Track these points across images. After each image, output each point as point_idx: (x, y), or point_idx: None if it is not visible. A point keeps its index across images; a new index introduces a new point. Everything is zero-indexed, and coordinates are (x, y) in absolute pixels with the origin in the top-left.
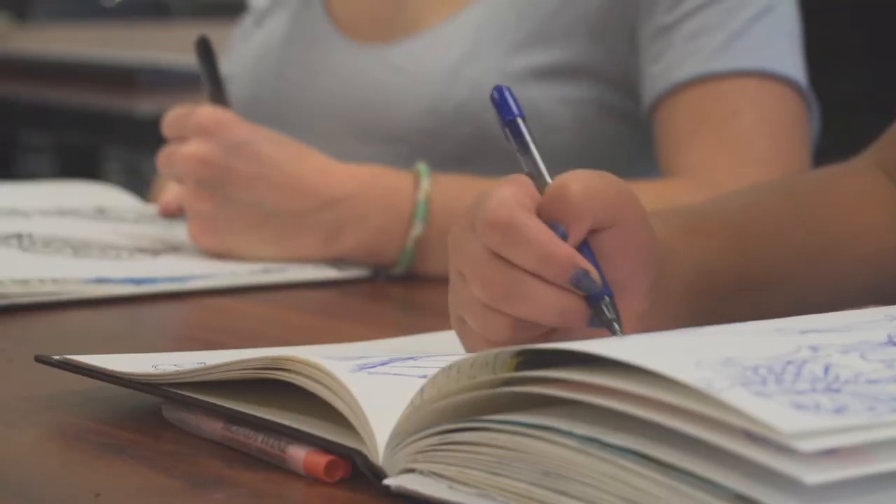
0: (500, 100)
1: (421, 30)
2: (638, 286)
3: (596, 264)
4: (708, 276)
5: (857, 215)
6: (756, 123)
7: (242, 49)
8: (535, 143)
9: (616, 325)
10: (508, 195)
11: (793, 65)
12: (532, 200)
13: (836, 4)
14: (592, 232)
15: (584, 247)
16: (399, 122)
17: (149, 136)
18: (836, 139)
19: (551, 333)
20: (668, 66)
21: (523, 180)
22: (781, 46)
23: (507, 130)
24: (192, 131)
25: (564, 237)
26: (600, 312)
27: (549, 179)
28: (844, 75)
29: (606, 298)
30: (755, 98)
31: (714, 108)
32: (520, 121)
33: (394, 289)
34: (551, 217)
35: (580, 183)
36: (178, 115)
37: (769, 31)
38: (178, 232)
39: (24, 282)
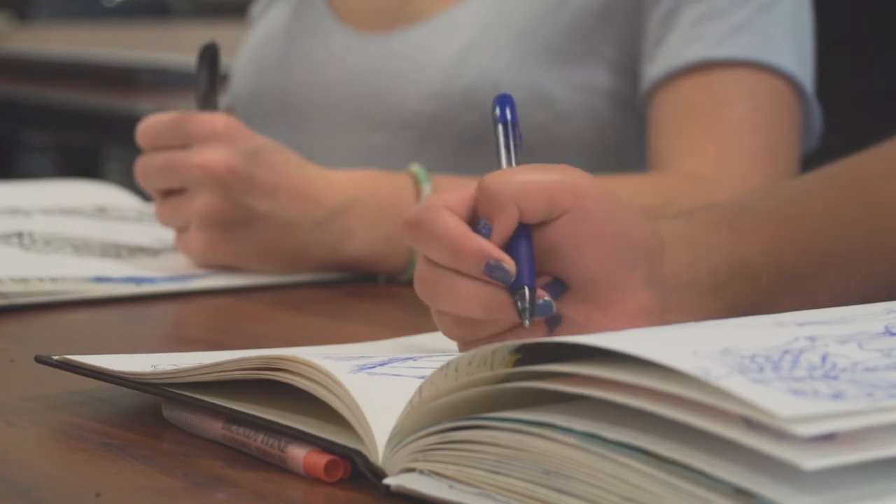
0: (501, 104)
1: (426, 18)
2: (622, 279)
3: (530, 256)
4: (745, 269)
5: None
6: (745, 115)
7: (241, 51)
8: (516, 150)
9: (526, 316)
10: (435, 196)
11: (793, 60)
12: (473, 201)
13: (844, 2)
14: (542, 224)
15: (520, 239)
16: (406, 109)
17: None
18: (839, 138)
19: (507, 333)
20: (668, 51)
21: (475, 184)
22: (783, 40)
23: (496, 129)
24: (204, 138)
25: (488, 232)
26: (514, 302)
27: None
28: (850, 73)
29: (525, 289)
30: (747, 89)
31: (705, 97)
32: (511, 127)
33: (396, 289)
34: (481, 215)
35: (505, 177)
36: (168, 123)
37: (773, 23)
38: None
39: (24, 280)
